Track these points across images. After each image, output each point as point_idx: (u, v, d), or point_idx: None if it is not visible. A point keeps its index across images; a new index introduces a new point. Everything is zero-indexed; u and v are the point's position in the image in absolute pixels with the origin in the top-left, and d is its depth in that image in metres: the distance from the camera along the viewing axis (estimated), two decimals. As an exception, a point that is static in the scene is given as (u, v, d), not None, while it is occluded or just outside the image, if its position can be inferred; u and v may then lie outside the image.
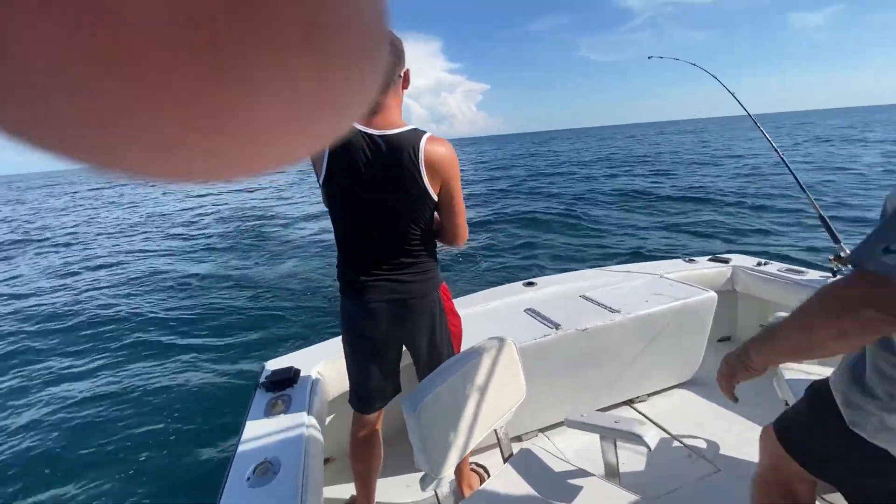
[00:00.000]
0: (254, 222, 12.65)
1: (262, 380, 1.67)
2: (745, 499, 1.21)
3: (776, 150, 2.30)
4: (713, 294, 2.13)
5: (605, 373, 2.07)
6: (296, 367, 1.73)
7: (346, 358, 1.49)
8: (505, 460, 1.43)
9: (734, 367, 0.99)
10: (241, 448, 1.31)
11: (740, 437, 1.95)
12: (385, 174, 1.24)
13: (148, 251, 9.92)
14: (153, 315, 5.60)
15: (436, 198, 1.29)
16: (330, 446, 1.77)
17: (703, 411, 2.13)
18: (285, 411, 1.47)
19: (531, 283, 2.54)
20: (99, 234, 12.77)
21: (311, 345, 1.99)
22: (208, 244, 10.09)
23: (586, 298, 2.24)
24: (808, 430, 1.04)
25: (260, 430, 1.39)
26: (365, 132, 1.24)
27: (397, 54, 1.23)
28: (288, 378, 1.64)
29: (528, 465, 1.38)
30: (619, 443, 1.31)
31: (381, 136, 1.24)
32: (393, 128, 1.25)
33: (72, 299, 6.47)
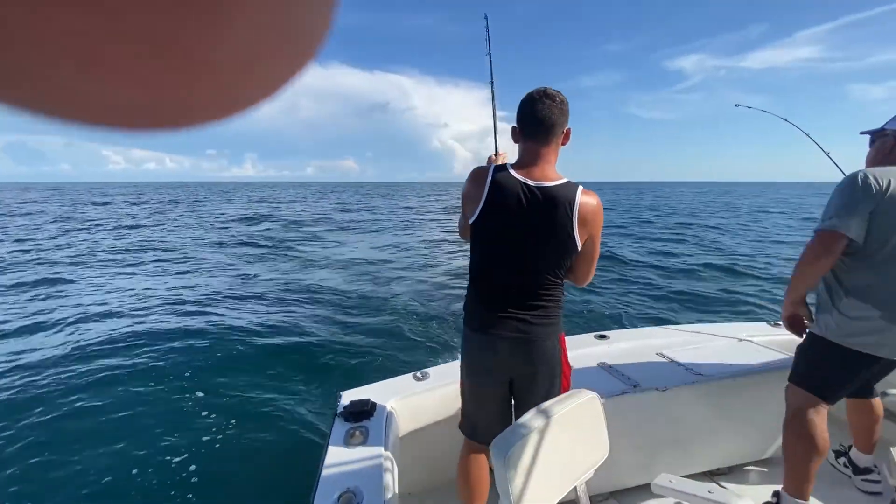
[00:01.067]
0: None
1: (339, 409, 1.71)
2: None
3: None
4: None
5: (682, 438, 1.96)
6: (372, 399, 1.77)
7: (463, 387, 1.57)
8: None
9: (785, 314, 1.76)
10: (324, 473, 1.35)
11: None
12: (539, 222, 1.32)
13: (227, 264, 10.43)
14: (237, 326, 5.82)
15: (580, 247, 1.35)
16: (402, 482, 1.77)
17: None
18: (364, 443, 1.50)
19: (603, 336, 2.48)
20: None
21: (383, 378, 2.03)
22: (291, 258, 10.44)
23: (664, 357, 2.16)
24: (813, 367, 1.68)
25: (341, 459, 1.42)
26: (523, 181, 1.33)
27: (564, 112, 1.34)
28: (366, 410, 1.68)
29: None
30: None
31: (538, 187, 1.32)
32: (549, 180, 1.34)
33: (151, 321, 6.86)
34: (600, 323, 6.24)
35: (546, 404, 1.30)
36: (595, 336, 2.48)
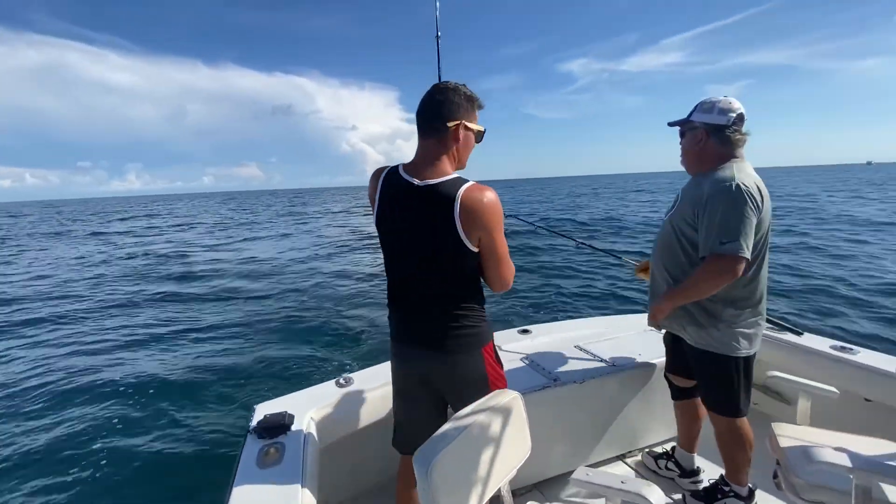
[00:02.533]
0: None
1: (253, 425, 1.58)
2: None
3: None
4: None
5: (599, 426, 2.09)
6: (289, 412, 1.65)
7: (393, 396, 1.52)
8: None
9: (653, 311, 1.76)
10: (234, 498, 1.23)
11: None
12: (422, 222, 1.24)
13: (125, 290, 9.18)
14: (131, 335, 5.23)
15: (472, 248, 1.24)
16: (325, 497, 1.67)
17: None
18: (279, 461, 1.40)
19: (526, 331, 2.58)
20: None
21: (301, 388, 1.91)
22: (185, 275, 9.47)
23: (581, 349, 2.29)
24: (726, 388, 1.69)
25: (253, 480, 1.31)
26: (408, 180, 1.26)
27: (449, 104, 1.25)
28: (282, 424, 1.56)
29: None
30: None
31: (421, 185, 1.24)
32: (435, 177, 1.25)
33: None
34: (524, 317, 6.52)
35: (468, 409, 1.26)
36: (518, 331, 2.58)
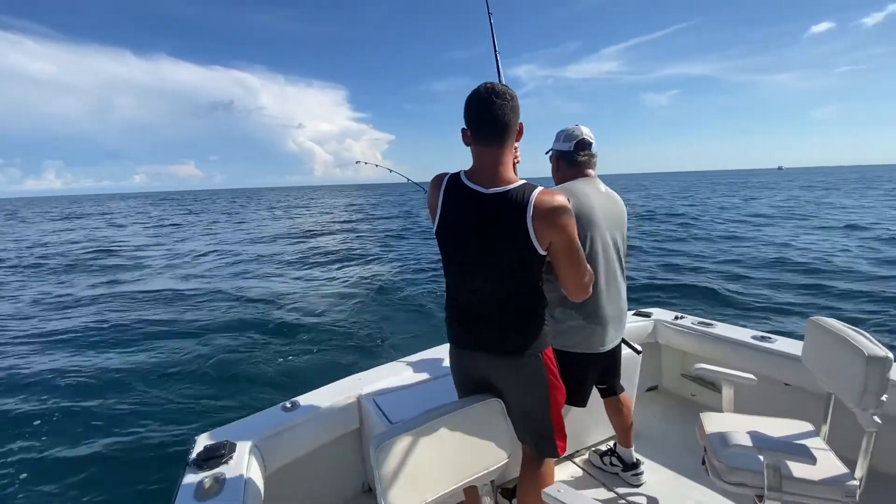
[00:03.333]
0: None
1: (192, 456, 1.53)
2: None
3: None
4: (638, 348, 2.16)
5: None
6: (231, 440, 1.61)
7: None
8: None
9: None
10: None
11: (675, 492, 2.00)
12: (493, 231, 1.25)
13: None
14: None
15: (542, 252, 1.25)
16: None
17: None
18: (218, 493, 1.37)
19: None
20: None
21: (248, 414, 1.87)
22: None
23: None
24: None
25: None
26: (475, 189, 1.27)
27: (515, 109, 1.26)
28: (221, 454, 1.53)
29: None
30: None
31: (491, 194, 1.25)
32: (503, 184, 1.25)
33: None
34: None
35: (442, 407, 1.33)
36: None
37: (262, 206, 48.71)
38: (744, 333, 2.45)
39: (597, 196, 1.73)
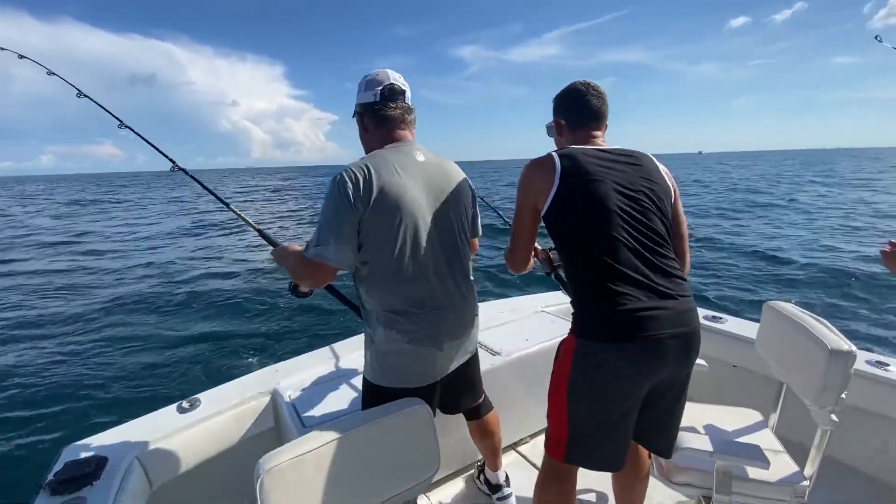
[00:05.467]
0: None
1: (49, 476, 1.24)
2: None
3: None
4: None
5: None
6: (103, 453, 1.34)
7: (584, 410, 1.20)
8: None
9: None
10: None
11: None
12: (648, 188, 1.25)
13: None
14: None
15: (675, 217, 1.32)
16: None
17: None
18: None
19: None
20: None
21: (139, 415, 1.60)
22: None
23: None
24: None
25: None
26: (601, 148, 1.30)
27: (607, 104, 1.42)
28: (87, 473, 1.25)
29: None
30: None
31: (622, 151, 1.30)
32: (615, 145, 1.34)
33: None
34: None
35: (352, 418, 1.12)
36: None
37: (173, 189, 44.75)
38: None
39: (412, 168, 1.28)
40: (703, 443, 1.27)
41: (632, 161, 1.28)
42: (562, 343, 1.25)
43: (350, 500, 1.04)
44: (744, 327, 2.22)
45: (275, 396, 1.75)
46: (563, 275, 1.51)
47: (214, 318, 5.94)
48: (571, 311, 1.25)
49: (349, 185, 1.17)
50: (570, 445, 1.22)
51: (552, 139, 1.50)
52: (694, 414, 1.63)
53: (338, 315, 5.69)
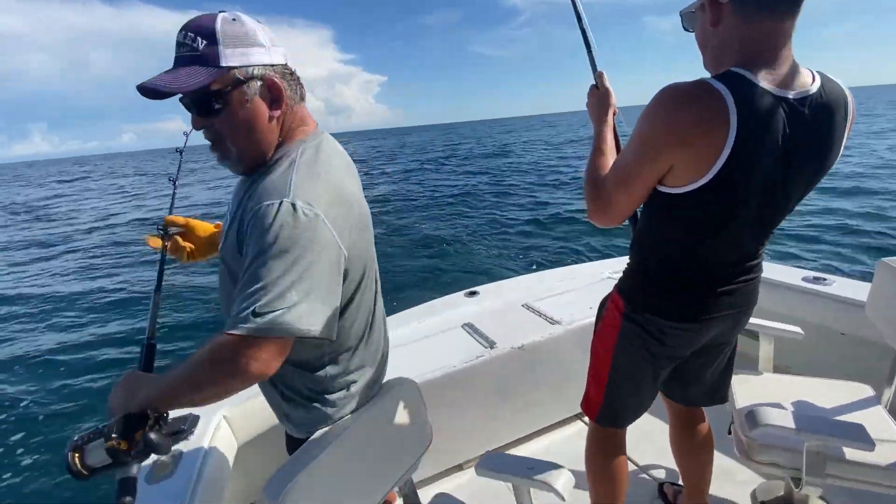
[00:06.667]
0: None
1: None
2: None
3: None
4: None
5: (545, 390, 1.93)
6: (195, 412, 1.47)
7: (623, 376, 1.17)
8: None
9: None
10: None
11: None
12: (810, 176, 0.90)
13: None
14: None
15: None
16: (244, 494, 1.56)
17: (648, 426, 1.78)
18: (172, 473, 1.22)
19: (473, 293, 2.31)
20: None
21: None
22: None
23: (529, 308, 2.08)
24: None
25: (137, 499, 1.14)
26: (781, 95, 0.79)
27: None
28: (181, 429, 1.38)
29: None
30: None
31: (800, 99, 0.80)
32: (807, 83, 0.82)
33: None
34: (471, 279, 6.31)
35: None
36: (465, 294, 2.33)
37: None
38: (793, 275, 2.07)
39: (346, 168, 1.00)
40: (790, 419, 1.10)
41: (827, 123, 0.84)
42: (609, 302, 1.19)
43: (368, 491, 1.04)
44: (853, 289, 1.92)
45: None
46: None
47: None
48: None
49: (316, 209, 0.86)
50: (602, 408, 1.23)
51: (688, 30, 0.95)
52: (790, 388, 1.45)
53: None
